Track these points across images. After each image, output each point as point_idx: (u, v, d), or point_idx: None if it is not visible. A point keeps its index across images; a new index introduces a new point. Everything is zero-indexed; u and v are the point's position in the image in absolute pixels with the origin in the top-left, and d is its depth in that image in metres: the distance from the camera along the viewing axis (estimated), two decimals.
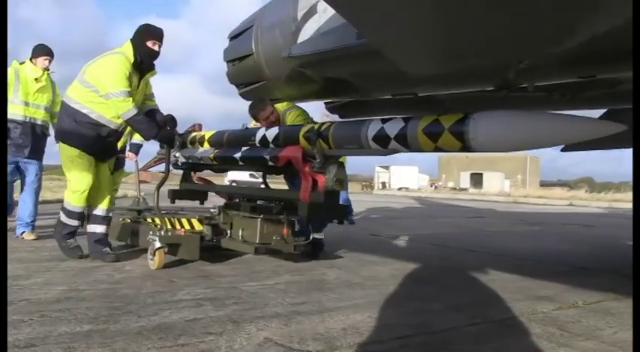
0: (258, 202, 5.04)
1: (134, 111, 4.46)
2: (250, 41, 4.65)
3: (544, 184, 56.52)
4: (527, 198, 29.53)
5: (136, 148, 6.97)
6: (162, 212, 4.86)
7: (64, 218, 4.61)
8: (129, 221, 5.31)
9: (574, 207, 22.94)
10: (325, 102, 5.51)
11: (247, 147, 4.40)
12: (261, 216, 4.52)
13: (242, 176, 41.97)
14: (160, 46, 4.64)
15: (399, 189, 42.97)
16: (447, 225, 10.22)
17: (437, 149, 2.98)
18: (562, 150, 6.10)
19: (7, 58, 4.36)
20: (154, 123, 4.78)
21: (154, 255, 4.27)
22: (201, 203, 5.55)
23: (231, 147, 4.59)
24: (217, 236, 4.88)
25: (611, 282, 4.43)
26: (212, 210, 4.97)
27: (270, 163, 4.15)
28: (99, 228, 4.72)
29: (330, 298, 3.48)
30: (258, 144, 4.26)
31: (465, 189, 42.52)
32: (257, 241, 4.43)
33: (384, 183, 49.69)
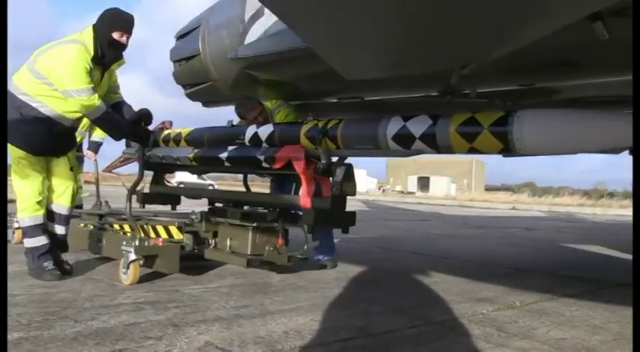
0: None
1: (102, 110, 3.87)
2: (197, 41, 4.59)
3: (489, 188, 58.05)
4: (473, 201, 30.26)
5: (96, 146, 6.62)
6: (136, 218, 4.34)
7: (29, 243, 3.91)
8: (92, 227, 4.82)
9: (517, 210, 23.64)
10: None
11: (234, 147, 3.92)
12: (254, 224, 4.04)
13: (190, 177, 41.28)
14: (128, 38, 3.94)
15: None
16: (393, 228, 10.35)
17: (472, 150, 2.72)
18: (504, 155, 6.26)
19: (7, 58, 3.68)
20: (125, 120, 4.20)
21: (127, 268, 3.78)
22: (174, 207, 5.03)
23: (214, 147, 4.09)
24: (199, 245, 4.37)
25: (547, 283, 4.59)
26: (193, 217, 4.47)
27: (265, 165, 3.71)
28: (61, 229, 4.10)
29: (274, 301, 3.46)
30: (248, 144, 3.83)
31: (412, 193, 43.24)
32: (249, 252, 4.01)
33: None
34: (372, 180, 56.78)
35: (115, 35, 3.86)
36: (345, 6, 1.73)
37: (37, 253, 3.88)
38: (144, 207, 4.80)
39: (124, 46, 3.98)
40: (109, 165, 5.59)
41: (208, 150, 4.12)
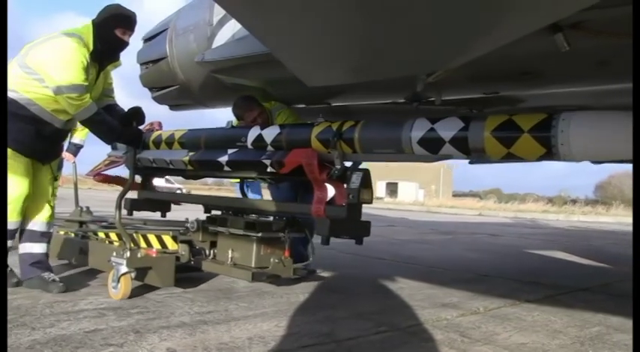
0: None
1: (92, 111, 3.59)
2: (164, 44, 4.53)
3: (456, 194, 58.77)
4: (440, 207, 30.54)
5: (75, 149, 6.34)
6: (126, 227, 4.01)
7: (23, 248, 3.72)
8: (74, 235, 4.53)
9: (483, 216, 23.97)
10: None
11: (235, 150, 3.67)
12: (260, 234, 3.71)
13: (157, 181, 40.56)
14: (130, 36, 3.74)
15: None
16: None
17: (508, 156, 2.55)
18: (470, 162, 6.35)
19: (7, 58, 3.49)
20: (116, 122, 3.89)
21: (117, 281, 3.49)
22: (163, 215, 4.63)
23: (212, 150, 3.84)
24: (195, 257, 4.05)
25: (511, 289, 4.65)
26: (188, 225, 4.11)
27: (271, 169, 3.45)
28: (36, 247, 3.74)
29: (239, 307, 3.44)
30: (250, 146, 3.60)
31: (380, 198, 43.44)
32: (253, 265, 3.70)
33: None
34: None
35: (118, 32, 3.65)
36: (303, 13, 1.73)
37: (31, 260, 3.67)
38: (131, 214, 4.44)
39: (125, 45, 3.78)
40: (93, 169, 5.08)
41: (206, 153, 3.88)
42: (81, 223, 4.76)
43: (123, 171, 4.62)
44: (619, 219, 25.82)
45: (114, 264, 3.57)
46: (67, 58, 3.48)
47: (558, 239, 11.69)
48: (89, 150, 6.59)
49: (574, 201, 43.59)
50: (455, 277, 5.27)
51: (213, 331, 2.84)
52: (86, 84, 3.54)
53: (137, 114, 4.06)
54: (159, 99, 5.02)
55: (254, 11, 1.90)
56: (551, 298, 4.29)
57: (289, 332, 2.89)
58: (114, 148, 4.75)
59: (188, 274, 4.14)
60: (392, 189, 49.44)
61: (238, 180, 7.19)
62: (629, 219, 26.38)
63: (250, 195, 8.41)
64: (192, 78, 4.37)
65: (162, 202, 4.58)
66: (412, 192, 47.77)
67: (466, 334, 3.03)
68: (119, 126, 3.89)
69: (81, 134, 6.16)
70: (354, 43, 2.02)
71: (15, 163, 3.54)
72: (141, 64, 4.95)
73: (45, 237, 3.80)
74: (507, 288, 4.69)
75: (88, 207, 4.98)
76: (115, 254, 3.64)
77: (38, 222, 3.77)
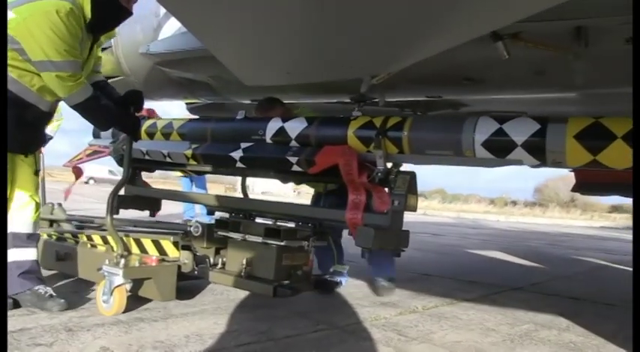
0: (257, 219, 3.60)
1: (87, 94, 2.97)
2: None
3: None
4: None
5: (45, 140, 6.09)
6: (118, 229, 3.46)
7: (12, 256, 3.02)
8: (54, 238, 3.99)
9: (427, 216, 24.44)
10: (186, 103, 5.38)
11: (251, 144, 3.26)
12: (283, 242, 3.18)
13: (100, 172, 38.98)
14: (134, 3, 3.13)
15: (263, 193, 43.11)
16: None
17: (593, 163, 2.29)
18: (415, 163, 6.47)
19: (7, 58, 2.83)
20: (113, 106, 3.27)
21: (110, 294, 3.01)
22: (152, 214, 4.06)
23: (221, 143, 3.41)
24: (199, 265, 3.43)
25: (449, 288, 4.76)
26: (191, 229, 3.44)
27: (297, 168, 3.05)
28: (24, 253, 3.06)
29: (178, 304, 3.38)
30: (269, 140, 3.21)
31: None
32: (273, 277, 3.18)
33: (247, 186, 49.29)
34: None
35: (122, 0, 3.03)
36: (238, 12, 1.72)
37: (19, 271, 3.04)
38: (117, 213, 3.61)
39: (129, 15, 3.14)
40: (72, 159, 4.54)
41: (214, 146, 3.45)
42: (52, 222, 4.25)
43: (110, 163, 4.09)
44: (554, 220, 27.05)
45: (106, 273, 3.07)
46: (59, 27, 2.79)
47: (498, 239, 12.06)
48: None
49: (514, 203, 45.17)
50: (396, 276, 5.34)
51: (150, 328, 2.79)
52: (80, 60, 2.95)
53: (136, 97, 3.45)
54: None
55: (189, 6, 1.87)
56: (486, 297, 4.42)
57: (227, 330, 2.87)
58: (96, 136, 4.33)
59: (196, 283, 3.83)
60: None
61: (183, 174, 7.11)
62: (564, 221, 27.55)
63: (195, 190, 8.33)
64: (136, 69, 4.28)
65: (152, 200, 4.01)
66: None
67: (403, 332, 3.09)
68: (117, 112, 3.29)
69: (53, 125, 5.73)
70: (289, 45, 2.02)
71: None
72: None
73: (32, 239, 3.14)
74: (446, 287, 4.80)
75: (60, 204, 4.44)
76: (107, 262, 3.13)
77: (22, 222, 3.09)
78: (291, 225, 3.40)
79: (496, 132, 2.47)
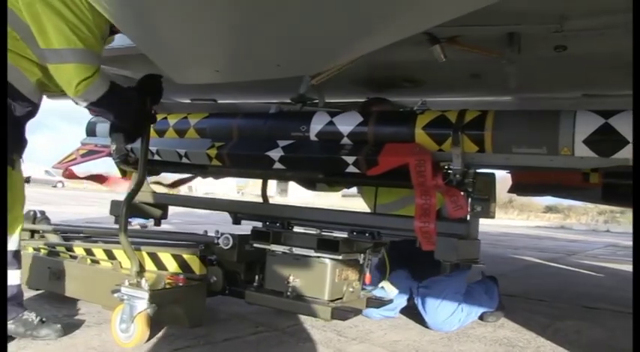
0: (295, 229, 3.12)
1: (104, 88, 2.39)
2: None
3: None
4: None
5: None
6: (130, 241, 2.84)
7: None
8: (42, 253, 3.41)
9: None
10: None
11: (293, 142, 2.86)
12: (340, 256, 2.69)
13: (36, 172, 37.28)
14: None
15: (206, 193, 42.58)
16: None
17: None
18: None
19: (7, 58, 2.25)
20: (134, 97, 2.71)
21: (131, 322, 2.54)
22: (158, 223, 3.74)
23: (254, 141, 2.98)
24: (231, 284, 3.04)
25: None
26: (219, 241, 2.95)
27: (353, 169, 2.65)
28: (9, 277, 2.50)
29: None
30: (314, 138, 2.84)
31: (271, 197, 43.50)
32: (326, 297, 2.71)
33: (190, 187, 48.56)
34: (232, 183, 56.16)
35: None
36: (159, 6, 1.67)
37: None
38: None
39: None
40: (63, 161, 3.87)
41: (244, 144, 3.02)
42: (33, 233, 3.72)
43: (109, 164, 3.62)
44: (494, 220, 27.66)
45: (125, 297, 2.58)
46: (79, 8, 2.27)
47: None
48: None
49: None
50: None
51: (82, 335, 2.69)
52: (101, 51, 2.46)
53: (153, 86, 2.83)
54: None
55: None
56: None
57: (163, 334, 2.79)
58: (90, 134, 3.86)
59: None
60: (283, 188, 49.61)
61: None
62: (502, 221, 28.45)
63: None
64: None
65: (160, 207, 3.59)
66: (303, 192, 48.12)
67: (343, 333, 3.10)
68: (138, 102, 2.72)
69: None
70: (215, 42, 1.98)
71: None
72: None
73: (17, 258, 2.60)
74: None
75: (43, 212, 3.90)
76: (126, 283, 2.62)
77: (10, 238, 2.53)
78: (345, 235, 2.86)
79: (602, 127, 2.15)
